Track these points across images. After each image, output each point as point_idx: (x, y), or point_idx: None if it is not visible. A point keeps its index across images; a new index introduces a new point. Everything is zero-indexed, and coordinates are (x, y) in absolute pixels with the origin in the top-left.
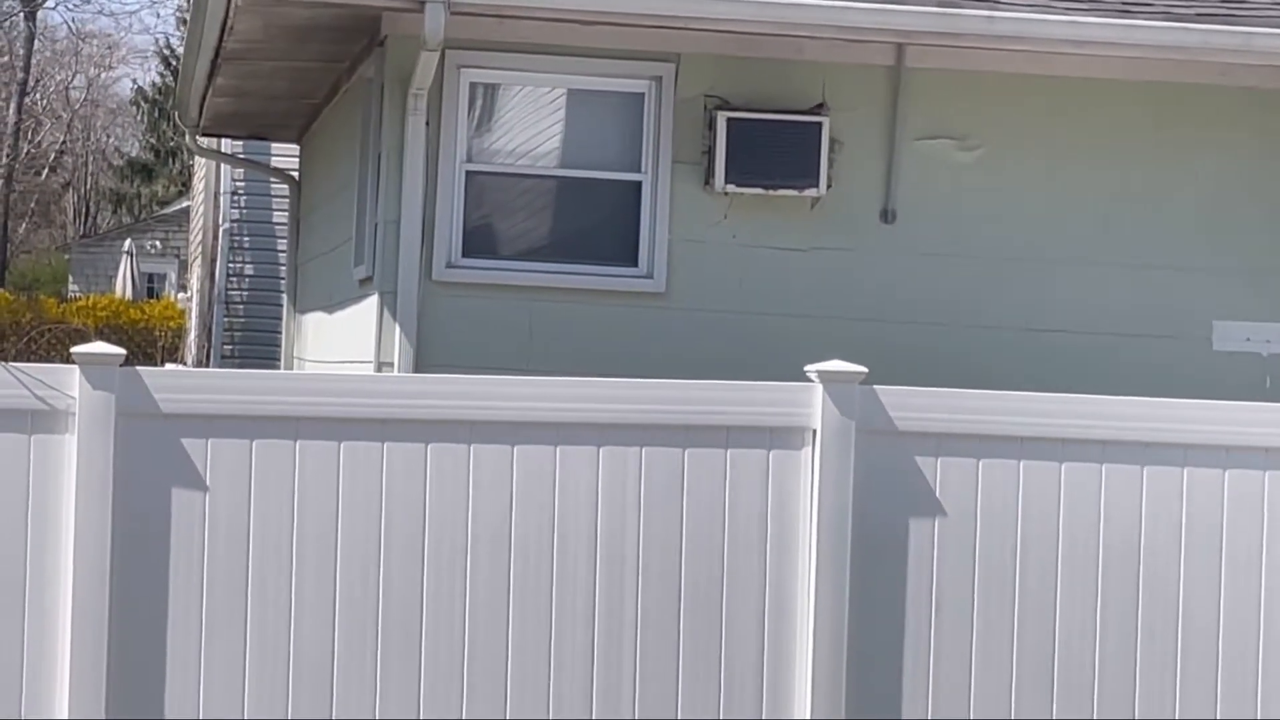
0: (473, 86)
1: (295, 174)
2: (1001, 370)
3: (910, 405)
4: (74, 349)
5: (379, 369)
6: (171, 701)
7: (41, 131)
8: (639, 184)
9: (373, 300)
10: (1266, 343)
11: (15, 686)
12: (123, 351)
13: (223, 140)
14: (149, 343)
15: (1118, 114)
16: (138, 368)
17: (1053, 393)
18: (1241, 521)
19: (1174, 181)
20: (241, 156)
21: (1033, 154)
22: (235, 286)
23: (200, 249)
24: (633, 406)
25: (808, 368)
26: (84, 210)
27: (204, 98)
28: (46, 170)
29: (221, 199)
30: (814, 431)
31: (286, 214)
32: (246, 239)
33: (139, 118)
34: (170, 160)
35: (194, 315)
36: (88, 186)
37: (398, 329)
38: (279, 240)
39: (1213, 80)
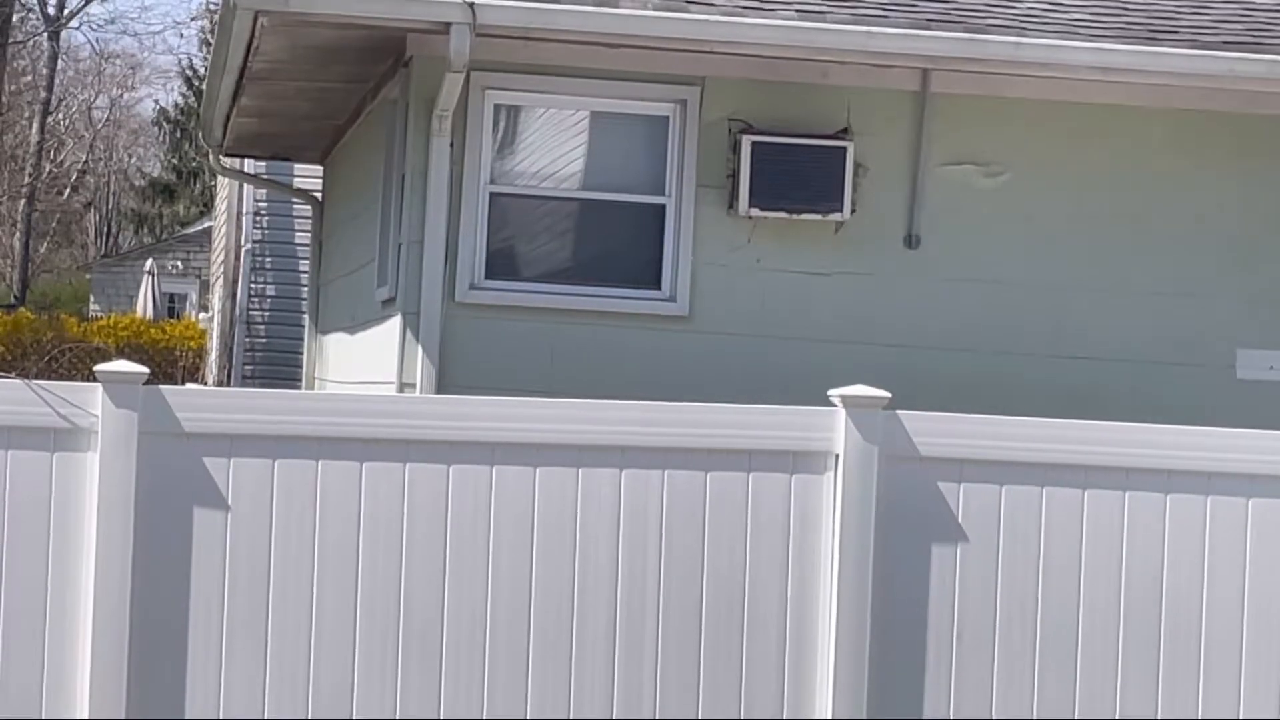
0: (497, 108)
1: (318, 195)
2: (1025, 396)
3: (933, 430)
4: (97, 367)
5: (401, 390)
6: (191, 712)
7: (64, 151)
8: (662, 207)
9: (395, 321)
10: None
11: (36, 701)
12: (145, 370)
13: (246, 161)
14: (170, 362)
15: (1143, 141)
16: (160, 386)
17: (1076, 419)
18: (1265, 550)
19: (1199, 209)
20: (264, 177)
21: (1057, 180)
22: (257, 307)
23: (222, 269)
24: (655, 429)
25: (831, 392)
26: (105, 230)
27: (228, 118)
28: (68, 190)
29: (244, 219)
30: (836, 456)
31: (309, 235)
32: (268, 259)
33: (161, 138)
34: (192, 181)
35: (215, 335)
36: (109, 206)
37: (420, 350)
38: (301, 261)
39: (1239, 108)
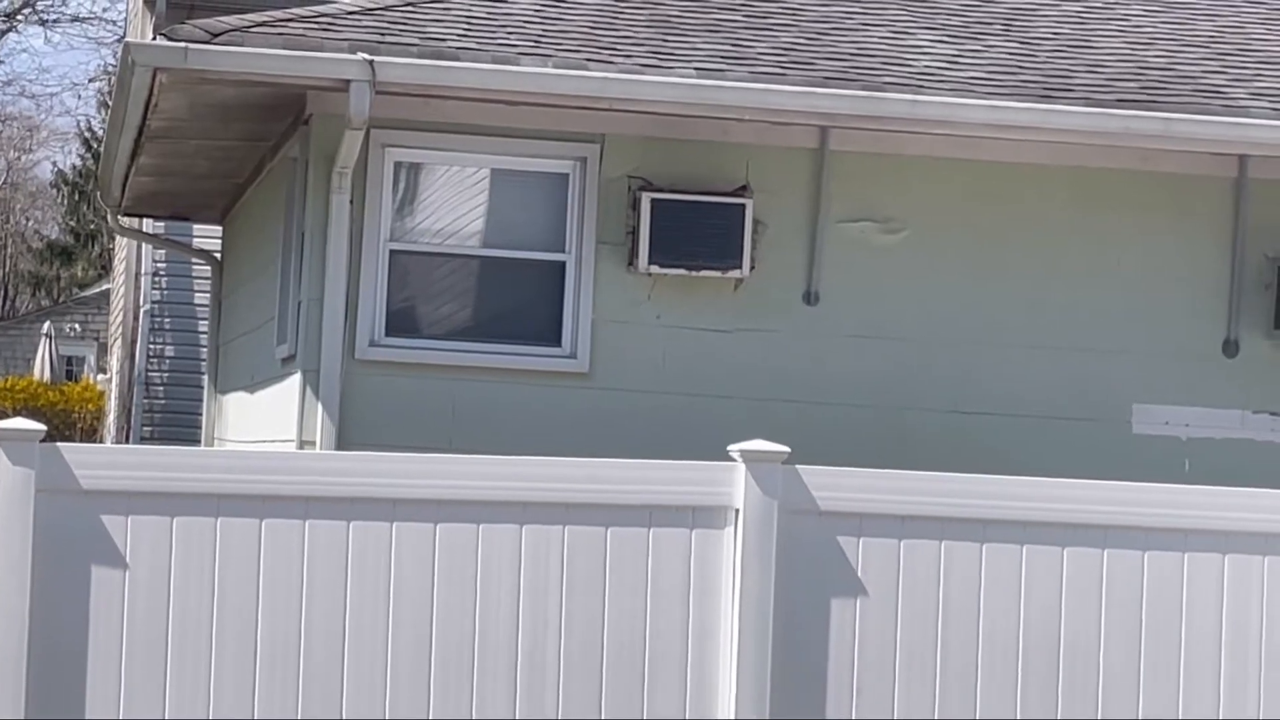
0: (397, 165)
1: (217, 254)
2: (925, 451)
3: (833, 485)
4: None
5: (301, 447)
6: None
7: None
8: (563, 264)
9: (295, 379)
10: (1185, 426)
11: None
12: (42, 428)
13: (144, 220)
14: (67, 425)
15: (1040, 198)
16: (58, 444)
17: (975, 474)
18: (1161, 601)
19: (1096, 265)
20: (164, 237)
21: (956, 237)
22: (155, 368)
23: (120, 330)
24: (555, 485)
25: (731, 447)
26: (2, 293)
27: (126, 177)
28: None
29: (142, 280)
30: (736, 511)
31: (208, 295)
32: (167, 320)
33: (59, 200)
34: (90, 243)
35: (113, 397)
36: (6, 269)
37: (320, 407)
38: (200, 321)
39: (1134, 165)
